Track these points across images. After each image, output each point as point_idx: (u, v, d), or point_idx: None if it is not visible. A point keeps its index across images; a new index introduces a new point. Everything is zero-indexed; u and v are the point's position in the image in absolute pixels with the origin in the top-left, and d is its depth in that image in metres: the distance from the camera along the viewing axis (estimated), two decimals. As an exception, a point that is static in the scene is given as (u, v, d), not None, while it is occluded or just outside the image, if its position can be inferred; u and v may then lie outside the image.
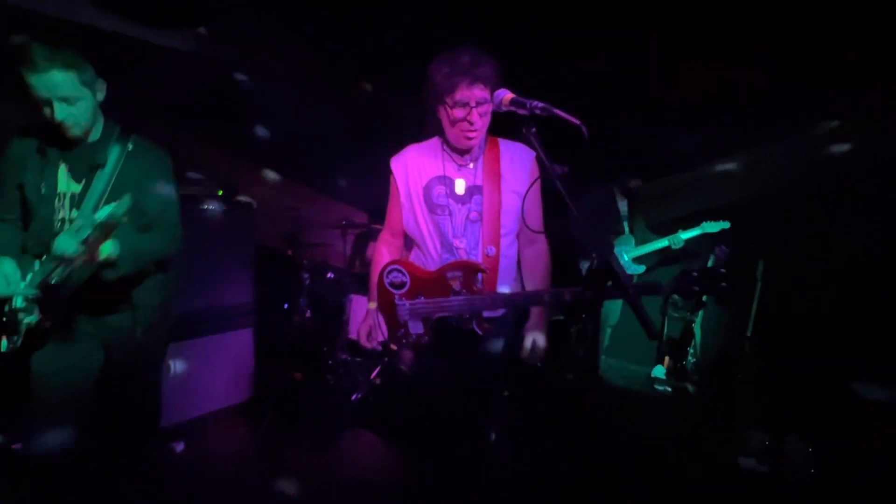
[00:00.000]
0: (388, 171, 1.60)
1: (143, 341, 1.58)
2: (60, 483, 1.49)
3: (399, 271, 1.52)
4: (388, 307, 1.55)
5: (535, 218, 1.55)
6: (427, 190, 1.53)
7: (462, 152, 1.51)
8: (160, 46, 2.96)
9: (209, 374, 2.71)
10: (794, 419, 2.55)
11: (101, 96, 1.51)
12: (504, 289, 1.54)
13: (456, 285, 1.46)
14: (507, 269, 1.57)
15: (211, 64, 3.17)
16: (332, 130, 3.80)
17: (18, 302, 1.44)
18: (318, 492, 2.23)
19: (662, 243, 3.34)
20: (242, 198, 2.96)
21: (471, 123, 1.39)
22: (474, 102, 1.37)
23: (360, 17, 2.90)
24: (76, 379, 1.50)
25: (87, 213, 1.44)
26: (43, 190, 1.46)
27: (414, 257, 1.65)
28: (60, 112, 1.39)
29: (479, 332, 1.49)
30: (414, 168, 1.55)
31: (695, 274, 1.25)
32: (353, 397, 2.97)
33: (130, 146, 1.55)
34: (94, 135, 1.53)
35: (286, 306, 3.62)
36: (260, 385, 3.00)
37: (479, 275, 1.47)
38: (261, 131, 3.58)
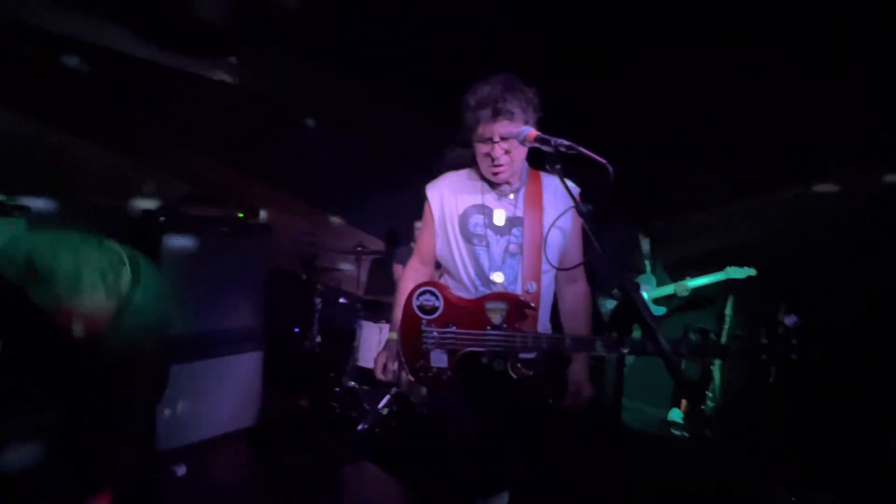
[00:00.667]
0: (422, 198, 1.54)
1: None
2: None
3: (432, 294, 1.40)
4: (411, 333, 1.41)
5: (577, 255, 1.49)
6: (464, 218, 1.46)
7: (496, 184, 1.47)
8: (192, 74, 3.08)
9: (216, 397, 2.68)
10: (824, 474, 2.40)
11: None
12: (542, 329, 1.45)
13: (496, 319, 1.34)
14: (546, 309, 1.48)
15: (238, 92, 3.29)
16: (349, 158, 3.87)
17: None
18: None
19: (668, 290, 3.22)
20: (261, 220, 3.00)
21: (493, 159, 1.36)
22: (497, 137, 1.34)
23: (383, 47, 3.00)
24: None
25: None
26: None
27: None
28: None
29: (514, 376, 1.35)
30: (451, 195, 1.48)
31: (764, 341, 1.16)
32: (359, 427, 2.90)
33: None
34: None
35: (297, 330, 3.60)
36: (266, 411, 2.95)
37: (523, 312, 1.36)
38: (282, 158, 3.67)
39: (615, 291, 3.07)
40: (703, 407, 3.49)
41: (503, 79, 1.36)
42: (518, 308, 1.34)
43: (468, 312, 1.38)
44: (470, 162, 1.52)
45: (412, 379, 1.43)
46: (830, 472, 2.41)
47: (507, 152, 1.36)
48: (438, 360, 1.37)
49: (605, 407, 3.32)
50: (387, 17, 2.72)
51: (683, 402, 3.59)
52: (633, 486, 2.42)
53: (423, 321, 1.39)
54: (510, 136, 1.34)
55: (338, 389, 3.31)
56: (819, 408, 2.80)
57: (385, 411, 3.02)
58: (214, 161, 3.45)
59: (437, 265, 1.59)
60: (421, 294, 1.42)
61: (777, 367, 2.98)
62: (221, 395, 2.70)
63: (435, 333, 1.37)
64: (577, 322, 1.52)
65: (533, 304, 1.36)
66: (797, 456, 2.70)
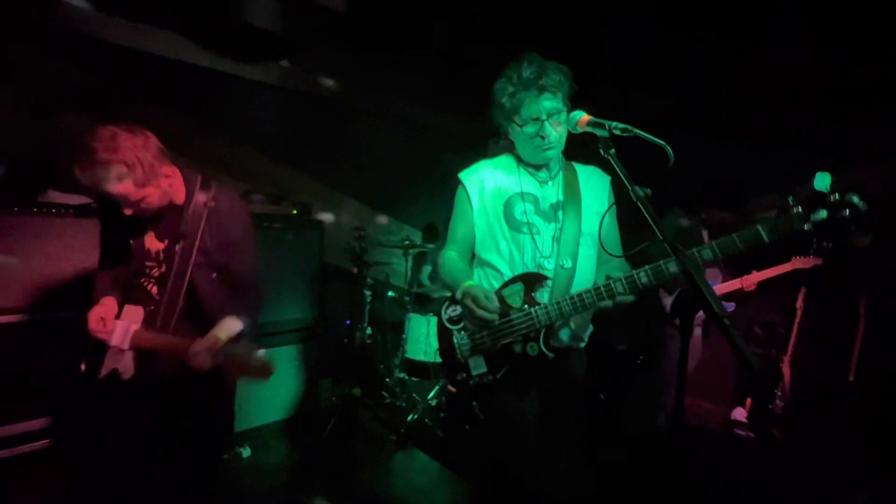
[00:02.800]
0: (455, 186, 1.50)
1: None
2: (130, 479, 1.58)
3: (456, 302, 1.40)
4: (447, 348, 1.40)
5: (615, 244, 1.44)
6: (508, 207, 1.41)
7: (539, 167, 1.43)
8: (247, 79, 3.24)
9: (274, 385, 2.82)
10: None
11: (168, 181, 1.49)
12: None
13: (516, 302, 1.32)
14: (583, 285, 1.39)
15: (291, 94, 3.42)
16: (396, 154, 3.93)
17: (113, 341, 1.53)
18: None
19: (734, 285, 2.99)
20: (316, 217, 3.11)
21: (544, 138, 1.32)
22: (545, 115, 1.31)
23: (426, 43, 3.01)
24: (148, 405, 1.57)
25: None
26: (133, 246, 1.55)
27: (486, 282, 1.47)
28: (126, 211, 1.43)
29: (550, 355, 1.32)
30: (491, 184, 1.44)
31: (796, 209, 0.88)
32: (409, 417, 2.96)
33: (212, 203, 1.57)
34: (178, 199, 1.56)
35: (348, 322, 3.72)
36: (320, 399, 3.08)
37: (545, 286, 1.33)
38: (333, 156, 3.79)
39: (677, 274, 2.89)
40: (770, 406, 3.27)
41: (534, 57, 1.33)
42: (534, 283, 1.32)
43: None
44: (505, 150, 1.49)
45: (454, 390, 1.43)
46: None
47: (556, 127, 1.33)
48: (478, 366, 1.35)
49: (653, 397, 3.20)
50: (430, 14, 2.73)
51: (748, 399, 3.38)
52: (689, 483, 2.31)
53: (454, 332, 1.38)
54: (558, 110, 1.31)
55: (388, 380, 3.39)
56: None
57: (434, 402, 3.07)
58: (270, 161, 3.61)
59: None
60: (448, 307, 1.42)
61: (856, 365, 2.74)
62: (279, 383, 2.85)
63: (465, 339, 1.37)
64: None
65: (547, 275, 1.32)
66: (878, 460, 2.47)
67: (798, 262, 2.86)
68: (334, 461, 2.64)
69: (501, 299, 1.32)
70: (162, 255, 1.58)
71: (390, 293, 3.49)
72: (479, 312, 1.27)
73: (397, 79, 3.54)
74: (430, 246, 3.72)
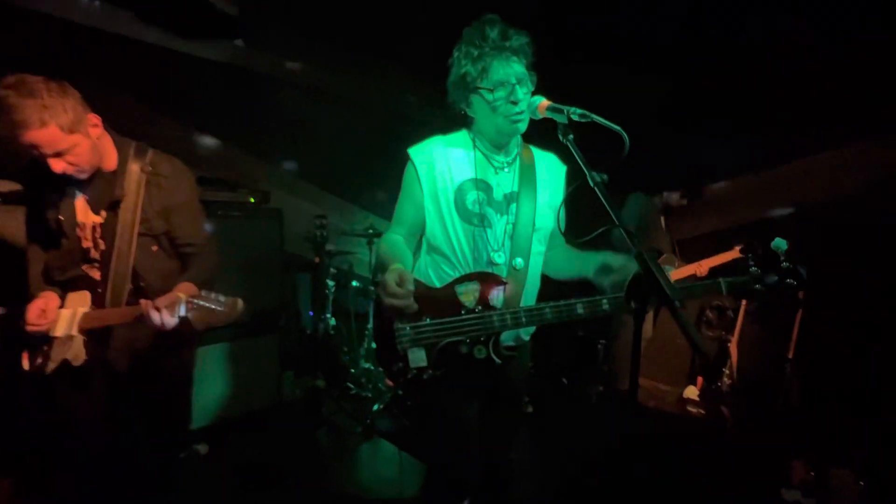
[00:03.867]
0: (404, 162, 1.37)
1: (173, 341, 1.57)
2: (86, 481, 1.50)
3: None
4: (385, 335, 1.28)
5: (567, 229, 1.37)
6: (460, 194, 1.31)
7: (500, 147, 1.33)
8: (199, 58, 3.06)
9: (234, 378, 2.73)
10: (844, 450, 2.37)
11: (96, 131, 1.40)
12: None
13: (470, 301, 1.24)
14: (533, 286, 1.36)
15: (246, 75, 3.27)
16: (360, 140, 3.85)
17: (58, 331, 1.45)
18: (334, 500, 2.20)
19: (688, 271, 3.13)
20: (272, 205, 3.01)
21: (515, 103, 1.21)
22: (515, 79, 1.22)
23: (389, 26, 2.94)
24: (102, 400, 1.50)
25: None
26: (62, 222, 1.45)
27: (434, 271, 1.36)
28: (57, 166, 1.32)
29: (498, 361, 1.25)
30: (443, 165, 1.31)
31: (753, 269, 1.05)
32: (375, 407, 2.94)
33: (149, 168, 1.48)
34: (110, 164, 1.47)
35: (311, 314, 3.64)
36: (282, 392, 3.01)
37: (500, 289, 1.25)
38: (292, 141, 3.66)
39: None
40: (719, 384, 3.47)
41: (495, 19, 1.24)
42: (490, 286, 1.24)
43: (440, 302, 1.25)
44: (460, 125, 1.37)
45: (391, 384, 1.37)
46: (849, 446, 2.38)
47: (525, 94, 1.23)
48: (417, 358, 1.24)
49: (611, 379, 3.32)
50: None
51: (699, 379, 3.56)
52: (649, 465, 2.42)
53: (395, 320, 1.25)
54: (526, 76, 1.24)
55: (353, 371, 3.35)
56: (836, 380, 2.76)
57: (400, 391, 3.06)
58: (224, 145, 3.45)
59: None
60: None
61: (796, 344, 2.93)
62: (238, 377, 2.76)
63: (408, 329, 1.24)
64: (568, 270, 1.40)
65: (505, 280, 1.25)
66: (816, 432, 2.67)
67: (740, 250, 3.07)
68: (299, 455, 2.60)
69: (454, 295, 1.25)
70: (99, 230, 1.47)
71: (354, 283, 3.44)
72: (388, 300, 1.15)
73: (360, 61, 3.45)
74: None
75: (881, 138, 2.83)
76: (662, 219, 3.25)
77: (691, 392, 3.57)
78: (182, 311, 1.30)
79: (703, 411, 3.40)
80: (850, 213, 2.87)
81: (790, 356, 2.97)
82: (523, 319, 1.22)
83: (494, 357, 1.24)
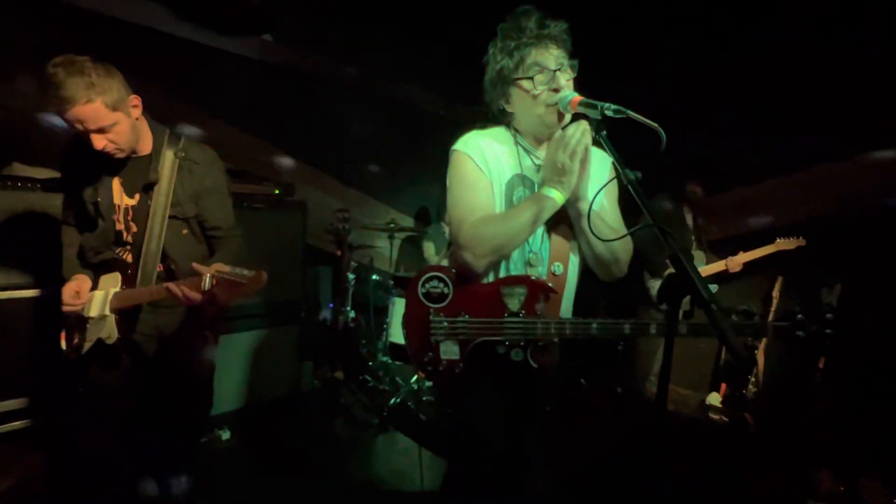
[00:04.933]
0: (446, 161, 1.29)
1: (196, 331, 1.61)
2: (110, 461, 1.55)
3: (440, 280, 1.25)
4: (418, 324, 1.26)
5: (620, 227, 1.30)
6: (509, 189, 1.25)
7: (541, 143, 1.27)
8: (228, 52, 3.12)
9: (254, 367, 2.78)
10: (874, 462, 2.28)
11: (136, 112, 1.45)
12: (564, 315, 1.29)
13: (514, 305, 1.20)
14: (570, 292, 1.31)
15: (273, 70, 3.31)
16: (383, 135, 3.86)
17: (92, 312, 1.50)
18: (348, 491, 2.23)
19: (719, 267, 3.08)
20: (296, 197, 3.04)
21: (557, 90, 1.15)
22: (555, 64, 1.17)
23: (418, 27, 2.94)
24: (131, 382, 1.55)
25: None
26: (100, 204, 1.50)
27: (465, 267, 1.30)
28: (98, 143, 1.37)
29: (534, 366, 1.21)
30: (493, 157, 1.25)
31: (800, 316, 1.07)
32: (392, 400, 2.96)
33: (182, 154, 1.53)
34: (144, 148, 1.51)
35: (331, 306, 3.68)
36: (301, 383, 3.05)
37: (544, 296, 1.20)
38: (317, 135, 3.69)
39: (666, 262, 2.90)
40: (744, 391, 3.37)
41: (530, 9, 1.20)
42: (538, 293, 1.20)
43: (482, 299, 1.22)
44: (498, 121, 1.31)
45: (421, 374, 1.34)
46: (880, 458, 2.29)
47: (567, 81, 1.18)
48: (449, 351, 1.23)
49: (633, 383, 3.26)
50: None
51: (723, 385, 3.47)
52: (668, 471, 2.37)
53: (431, 310, 1.24)
54: (564, 65, 1.18)
55: (371, 364, 3.38)
56: (868, 391, 2.65)
57: (416, 385, 3.07)
58: (251, 138, 3.51)
59: (449, 243, 1.35)
60: (428, 280, 1.26)
61: (825, 352, 2.84)
62: (259, 366, 2.81)
63: (445, 323, 1.22)
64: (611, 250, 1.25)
65: (554, 288, 1.20)
66: (843, 443, 2.58)
67: (782, 244, 2.94)
68: (316, 445, 2.63)
69: (498, 296, 1.22)
70: (132, 212, 1.52)
71: (374, 276, 3.46)
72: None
73: (387, 57, 3.45)
74: (428, 229, 3.68)
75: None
76: (689, 215, 3.17)
77: (714, 398, 3.48)
78: (207, 285, 1.33)
79: (725, 418, 3.31)
80: (882, 219, 2.76)
81: (820, 365, 2.87)
82: (568, 330, 1.19)
83: (531, 361, 1.21)
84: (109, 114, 1.35)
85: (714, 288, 3.10)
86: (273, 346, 2.88)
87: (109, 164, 1.48)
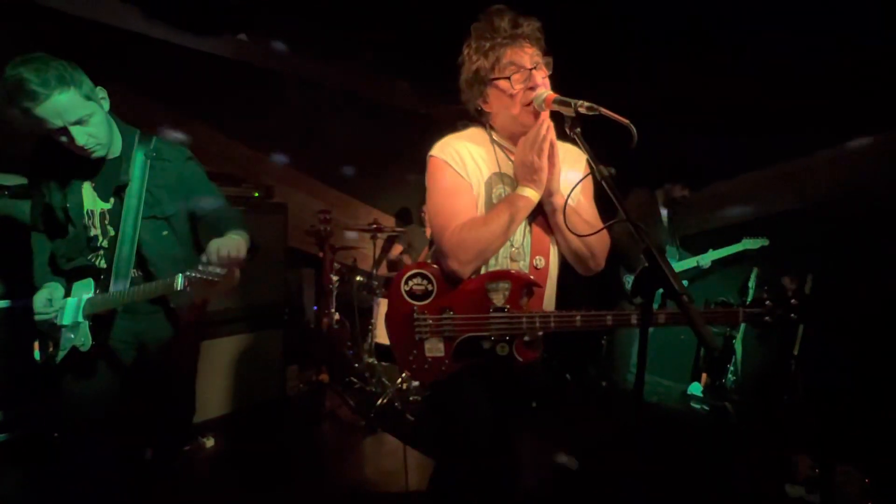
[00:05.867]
0: (408, 157, 1.36)
1: (176, 335, 1.58)
2: (92, 477, 1.51)
3: (424, 277, 1.24)
4: (402, 322, 1.25)
5: (595, 221, 1.32)
6: (488, 188, 1.26)
7: (516, 140, 1.27)
8: (203, 53, 3.06)
9: (238, 372, 2.75)
10: (850, 447, 2.36)
11: (106, 104, 1.41)
12: (547, 307, 1.31)
13: (498, 300, 1.20)
14: (552, 285, 1.33)
15: (250, 70, 3.26)
16: (364, 136, 3.84)
17: (65, 320, 1.46)
18: (336, 495, 2.22)
19: (691, 263, 3.22)
20: (277, 200, 3.01)
21: (533, 89, 1.17)
22: (529, 63, 1.18)
23: (397, 25, 2.93)
24: (110, 391, 1.50)
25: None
26: (70, 210, 1.46)
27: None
28: (80, 137, 1.33)
29: (520, 360, 1.22)
30: (469, 159, 1.26)
31: (768, 303, 1.14)
32: (379, 402, 2.95)
33: (154, 154, 1.49)
34: (115, 149, 1.47)
35: (315, 308, 3.65)
36: (287, 386, 3.02)
37: (528, 290, 1.22)
38: (296, 136, 3.66)
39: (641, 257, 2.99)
40: (723, 380, 3.46)
41: (503, 8, 1.21)
42: (522, 287, 1.21)
43: (467, 295, 1.22)
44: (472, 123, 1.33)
45: (406, 373, 1.34)
46: (855, 442, 2.37)
47: (543, 79, 1.19)
48: (434, 349, 1.23)
49: (615, 376, 3.34)
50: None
51: (704, 375, 3.56)
52: (652, 461, 2.42)
53: (415, 308, 1.24)
54: (540, 64, 1.20)
55: (357, 365, 3.36)
56: (841, 377, 2.75)
57: (403, 386, 3.07)
58: (228, 140, 3.45)
59: (430, 243, 1.36)
60: (410, 278, 1.25)
61: (801, 340, 2.93)
62: (243, 371, 2.77)
63: (429, 321, 1.21)
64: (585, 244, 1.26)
65: (538, 283, 1.21)
66: (821, 428, 2.66)
67: (748, 243, 3.17)
68: (303, 449, 2.61)
69: (483, 291, 1.23)
70: (108, 216, 1.48)
71: (358, 278, 3.44)
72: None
73: (365, 56, 3.44)
74: (406, 230, 3.68)
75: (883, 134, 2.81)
76: (665, 212, 3.26)
77: (696, 388, 3.57)
78: (180, 286, 1.31)
79: (707, 407, 3.39)
80: (855, 209, 2.86)
81: (795, 353, 2.96)
82: (552, 324, 1.20)
83: (517, 355, 1.22)
84: (85, 103, 1.32)
85: (685, 283, 3.22)
86: (257, 350, 2.84)
87: (78, 168, 1.44)
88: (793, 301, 1.13)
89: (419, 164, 1.42)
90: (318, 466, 2.45)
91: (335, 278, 3.39)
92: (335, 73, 3.57)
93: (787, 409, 2.92)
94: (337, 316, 3.41)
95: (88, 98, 1.33)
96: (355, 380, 3.28)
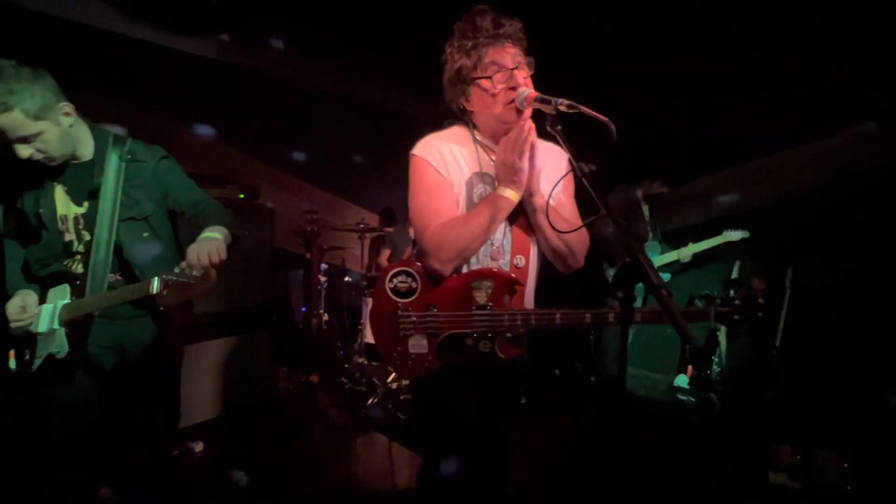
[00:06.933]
0: (394, 156, 1.34)
1: (160, 335, 1.56)
2: (79, 482, 1.49)
3: (408, 275, 1.27)
4: (386, 319, 1.27)
5: (575, 218, 1.33)
6: (469, 187, 1.28)
7: (498, 139, 1.27)
8: (185, 53, 3.02)
9: (228, 375, 2.73)
10: (828, 433, 2.43)
11: (66, 120, 1.37)
12: (528, 305, 1.33)
13: (481, 298, 1.23)
14: (532, 283, 1.35)
15: (233, 70, 3.23)
16: (350, 135, 3.83)
17: (41, 327, 1.44)
18: (330, 495, 2.22)
19: (672, 256, 3.28)
20: (263, 201, 2.99)
21: (515, 88, 1.18)
22: (511, 63, 1.20)
23: (382, 24, 2.93)
24: (89, 397, 1.48)
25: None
26: (42, 215, 1.43)
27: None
28: (24, 152, 1.31)
29: (503, 356, 1.24)
30: (451, 158, 1.28)
31: (737, 302, 1.19)
32: (369, 401, 2.96)
33: (129, 156, 1.47)
34: (86, 153, 1.45)
35: (304, 309, 3.64)
36: (277, 388, 3.01)
37: (510, 289, 1.24)
38: (282, 137, 3.63)
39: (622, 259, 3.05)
40: (708, 372, 3.53)
41: (485, 8, 1.23)
42: (505, 285, 1.24)
43: (451, 292, 1.24)
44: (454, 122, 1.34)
45: (390, 369, 1.35)
46: (834, 429, 2.44)
47: (525, 79, 1.21)
48: (418, 345, 1.25)
49: (603, 370, 3.39)
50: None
51: (689, 368, 3.62)
52: (635, 447, 2.46)
53: (400, 305, 1.26)
54: (522, 64, 1.22)
55: (347, 366, 3.36)
56: (821, 367, 2.82)
57: (394, 385, 3.07)
58: (212, 142, 3.42)
59: (414, 242, 1.38)
60: (395, 276, 1.28)
61: (782, 332, 3.00)
62: (232, 373, 2.75)
63: (413, 318, 1.24)
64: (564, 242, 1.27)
65: (520, 281, 1.24)
66: (801, 416, 2.73)
67: (728, 236, 3.21)
68: (294, 450, 2.60)
69: (466, 289, 1.24)
70: (82, 221, 1.45)
71: (347, 278, 3.44)
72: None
73: (350, 55, 3.42)
74: (392, 232, 3.68)
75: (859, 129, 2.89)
76: (646, 207, 3.32)
77: (682, 380, 3.63)
78: (156, 288, 1.30)
79: (693, 399, 3.46)
80: (830, 204, 2.94)
81: (777, 343, 3.03)
82: (533, 321, 1.22)
83: (499, 352, 1.24)
84: (31, 123, 1.28)
85: (668, 276, 3.30)
86: (246, 352, 2.83)
87: (49, 172, 1.41)
88: (760, 301, 1.18)
89: (405, 162, 1.41)
90: (309, 467, 2.45)
91: (323, 279, 3.38)
92: (319, 72, 3.55)
93: (770, 398, 2.99)
94: (326, 317, 3.40)
95: (38, 118, 1.30)
96: (345, 380, 3.27)
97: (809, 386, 2.88)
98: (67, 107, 1.37)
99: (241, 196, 2.86)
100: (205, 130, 3.35)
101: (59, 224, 1.45)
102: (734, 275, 3.38)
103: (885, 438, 2.30)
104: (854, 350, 2.71)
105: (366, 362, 3.34)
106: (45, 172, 1.41)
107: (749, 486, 2.33)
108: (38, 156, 1.34)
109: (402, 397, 3.04)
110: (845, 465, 2.20)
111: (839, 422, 2.52)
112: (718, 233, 3.23)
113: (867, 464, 2.20)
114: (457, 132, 1.33)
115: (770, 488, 2.30)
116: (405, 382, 3.11)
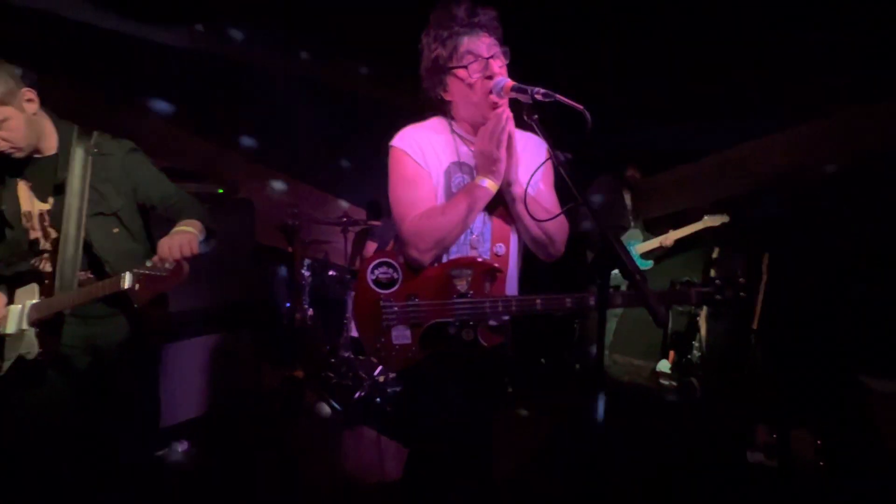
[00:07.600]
0: (376, 148, 1.33)
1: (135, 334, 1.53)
2: (60, 485, 1.47)
3: (389, 266, 1.28)
4: (369, 311, 1.28)
5: (554, 206, 1.33)
6: (448, 177, 1.29)
7: (478, 129, 1.27)
8: (157, 44, 2.94)
9: (211, 372, 2.70)
10: (803, 412, 2.51)
11: (31, 106, 1.34)
12: (510, 292, 1.33)
13: (462, 286, 1.24)
14: (513, 270, 1.36)
15: (208, 61, 3.15)
16: (331, 127, 3.78)
17: (9, 328, 1.40)
18: (318, 489, 2.22)
19: (654, 244, 3.32)
20: (242, 196, 2.94)
21: (491, 78, 1.19)
22: (487, 52, 1.20)
23: (360, 13, 2.88)
24: (62, 399, 1.45)
25: None
26: (5, 212, 1.39)
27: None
28: None
29: (485, 344, 1.26)
30: (429, 149, 1.29)
31: (718, 282, 1.20)
32: (356, 395, 2.95)
33: (95, 150, 1.43)
34: (49, 147, 1.41)
35: (288, 305, 3.61)
36: (262, 384, 2.99)
37: (490, 276, 1.25)
38: (260, 129, 3.57)
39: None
40: (689, 357, 3.61)
41: (460, 1, 1.23)
42: (485, 273, 1.25)
43: (432, 282, 1.26)
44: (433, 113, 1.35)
45: (374, 360, 1.36)
46: (809, 409, 2.53)
47: (501, 68, 1.21)
48: (401, 336, 1.26)
49: (588, 356, 3.45)
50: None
51: (671, 353, 3.70)
52: (618, 431, 2.51)
53: (381, 296, 1.27)
54: (498, 54, 1.22)
55: (333, 360, 3.35)
56: (797, 349, 2.91)
57: (381, 379, 3.07)
58: (188, 135, 3.34)
59: (396, 234, 1.38)
60: (376, 267, 1.28)
61: (759, 316, 3.09)
62: (216, 371, 2.72)
63: (395, 308, 1.25)
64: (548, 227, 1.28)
65: (500, 268, 1.26)
66: (777, 397, 2.82)
67: (709, 221, 3.23)
68: (280, 446, 2.59)
69: (447, 278, 1.25)
70: (48, 217, 1.41)
71: (331, 272, 3.41)
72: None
73: (328, 45, 3.37)
74: (375, 228, 3.65)
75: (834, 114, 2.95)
76: (628, 195, 3.36)
77: (664, 365, 3.71)
78: (128, 283, 1.27)
79: (674, 383, 3.54)
80: (808, 189, 3.01)
81: (754, 327, 3.11)
82: (514, 308, 1.24)
83: (481, 340, 1.25)
84: None
85: (650, 263, 3.36)
86: (229, 349, 2.79)
87: (11, 167, 1.37)
88: (741, 279, 1.20)
89: (386, 153, 1.39)
90: (297, 462, 2.44)
91: (307, 273, 3.35)
92: (297, 62, 3.49)
93: (748, 381, 3.08)
94: (310, 311, 3.37)
95: (3, 102, 1.27)
96: (332, 374, 3.26)
97: (785, 368, 2.96)
98: (30, 93, 1.33)
99: (221, 191, 2.81)
100: (180, 124, 3.27)
101: (24, 221, 1.40)
102: (714, 255, 3.46)
103: (857, 417, 2.38)
104: (828, 333, 2.80)
105: (352, 356, 3.33)
106: (7, 168, 1.37)
107: (728, 465, 2.40)
108: (5, 145, 1.29)
109: (389, 390, 3.05)
110: (818, 442, 2.28)
111: (814, 401, 2.61)
112: (698, 218, 3.28)
113: (840, 442, 2.29)
114: (435, 122, 1.34)
115: (748, 466, 2.37)
116: (392, 375, 3.11)
